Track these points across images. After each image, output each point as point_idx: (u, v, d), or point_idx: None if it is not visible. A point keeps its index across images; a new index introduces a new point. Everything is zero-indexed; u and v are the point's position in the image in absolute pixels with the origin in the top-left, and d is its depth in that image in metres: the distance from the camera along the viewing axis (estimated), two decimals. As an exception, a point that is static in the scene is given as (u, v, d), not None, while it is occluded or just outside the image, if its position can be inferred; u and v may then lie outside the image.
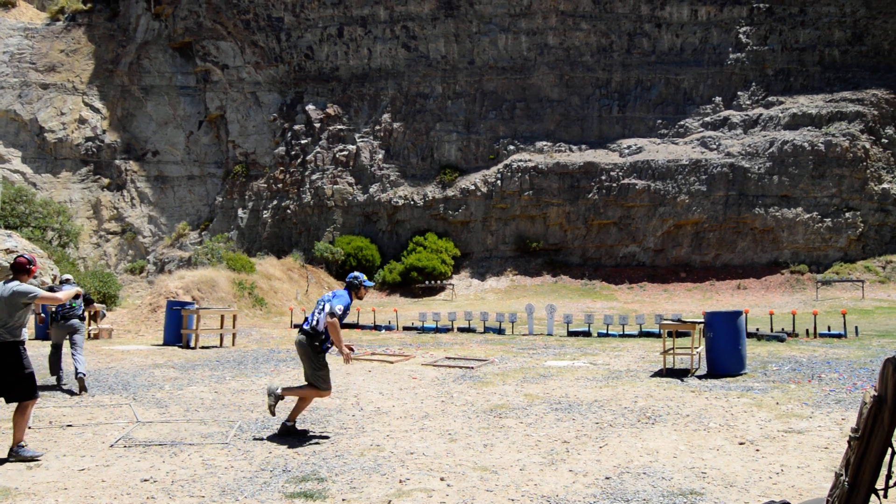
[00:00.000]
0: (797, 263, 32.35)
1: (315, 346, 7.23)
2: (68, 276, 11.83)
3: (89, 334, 17.47)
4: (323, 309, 7.25)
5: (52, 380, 10.43)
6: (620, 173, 34.98)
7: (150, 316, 21.16)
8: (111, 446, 6.79)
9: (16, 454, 6.31)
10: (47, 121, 40.60)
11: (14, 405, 6.53)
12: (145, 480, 5.65)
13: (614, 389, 9.63)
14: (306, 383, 7.36)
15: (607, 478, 5.59)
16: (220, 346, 16.16)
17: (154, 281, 31.50)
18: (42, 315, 13.46)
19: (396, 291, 34.21)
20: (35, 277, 7.04)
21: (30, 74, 41.37)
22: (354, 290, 7.49)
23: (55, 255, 24.18)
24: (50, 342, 10.74)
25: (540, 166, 35.94)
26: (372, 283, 7.89)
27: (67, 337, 10.35)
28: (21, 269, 6.61)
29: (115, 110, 41.67)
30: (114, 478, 5.72)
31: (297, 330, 19.74)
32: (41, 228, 29.89)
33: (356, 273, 7.64)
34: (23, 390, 6.39)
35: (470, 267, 35.99)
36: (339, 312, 7.06)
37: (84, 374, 9.76)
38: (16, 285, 6.46)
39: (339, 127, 39.26)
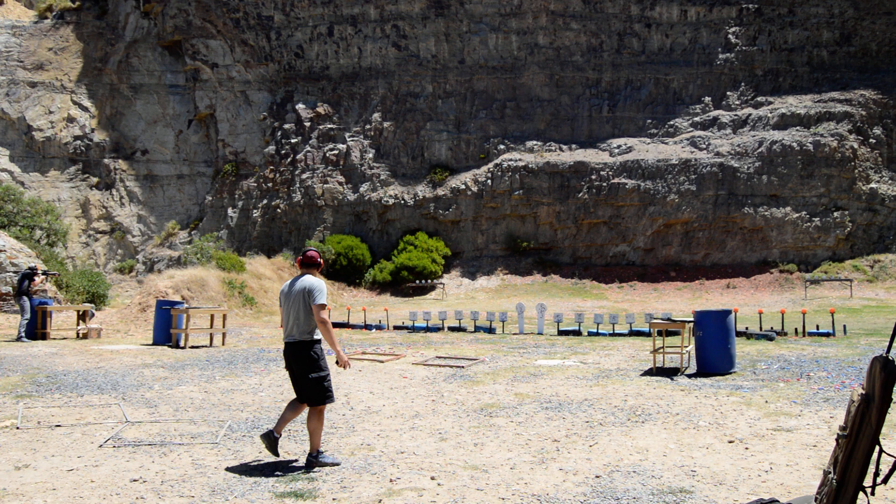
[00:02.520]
0: (786, 263, 32.53)
1: None
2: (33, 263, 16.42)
3: (78, 334, 17.45)
4: None
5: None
6: (610, 173, 35.07)
7: (140, 315, 21.06)
8: (100, 446, 6.75)
9: (316, 460, 5.99)
10: (35, 119, 40.33)
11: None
12: (135, 480, 5.62)
13: (604, 388, 9.65)
14: None
15: (597, 476, 5.61)
16: (210, 345, 16.10)
17: (143, 280, 31.34)
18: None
19: (387, 291, 34.19)
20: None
21: (17, 72, 41.08)
22: None
23: (43, 255, 24.02)
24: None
25: (530, 166, 35.98)
26: None
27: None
28: (311, 262, 6.36)
29: (104, 109, 41.44)
30: (103, 478, 5.69)
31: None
32: (29, 227, 29.67)
33: None
34: (310, 394, 6.07)
35: (460, 266, 36.00)
36: None
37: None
38: (308, 281, 6.19)
39: (329, 126, 39.18)
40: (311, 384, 6.02)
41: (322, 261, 6.44)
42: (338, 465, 6.01)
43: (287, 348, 6.18)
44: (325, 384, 6.05)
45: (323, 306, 6.03)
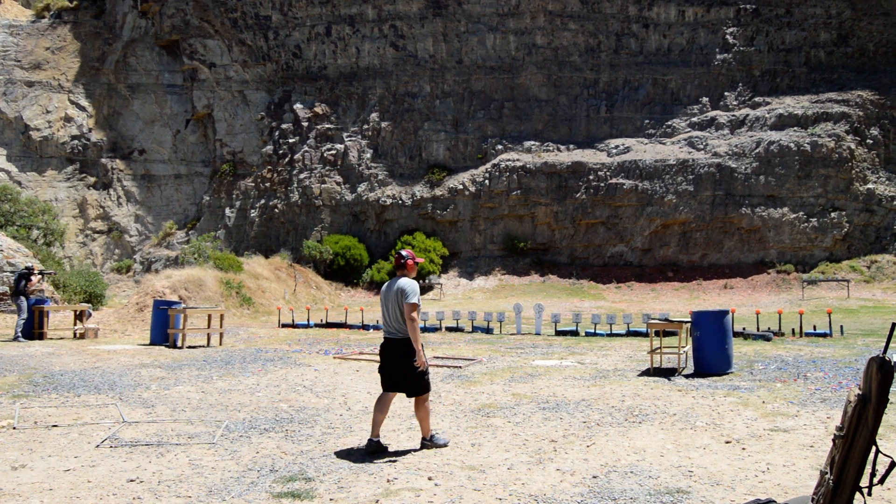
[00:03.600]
0: (783, 263, 32.58)
1: None
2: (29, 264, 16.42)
3: (75, 334, 17.43)
4: None
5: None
6: (608, 173, 35.10)
7: (137, 315, 21.03)
8: (97, 446, 6.73)
9: (431, 443, 6.57)
10: (32, 119, 40.27)
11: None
12: (131, 481, 5.61)
13: (602, 388, 9.66)
14: None
15: (595, 476, 5.61)
16: (208, 345, 16.08)
17: (141, 280, 31.31)
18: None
19: (384, 291, 34.12)
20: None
21: (15, 72, 41.02)
22: None
23: (40, 254, 23.98)
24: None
25: (528, 166, 36.00)
26: None
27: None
28: (398, 264, 6.77)
29: (102, 108, 41.39)
30: (100, 478, 5.68)
31: (283, 329, 19.66)
32: (26, 227, 29.63)
33: None
34: (414, 385, 6.54)
35: (458, 266, 36.01)
36: None
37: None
38: (402, 282, 6.59)
39: (326, 126, 39.17)
40: (416, 377, 6.50)
41: (411, 261, 6.78)
42: (446, 445, 6.58)
43: (388, 344, 6.67)
44: (426, 377, 6.57)
45: (413, 306, 6.45)
